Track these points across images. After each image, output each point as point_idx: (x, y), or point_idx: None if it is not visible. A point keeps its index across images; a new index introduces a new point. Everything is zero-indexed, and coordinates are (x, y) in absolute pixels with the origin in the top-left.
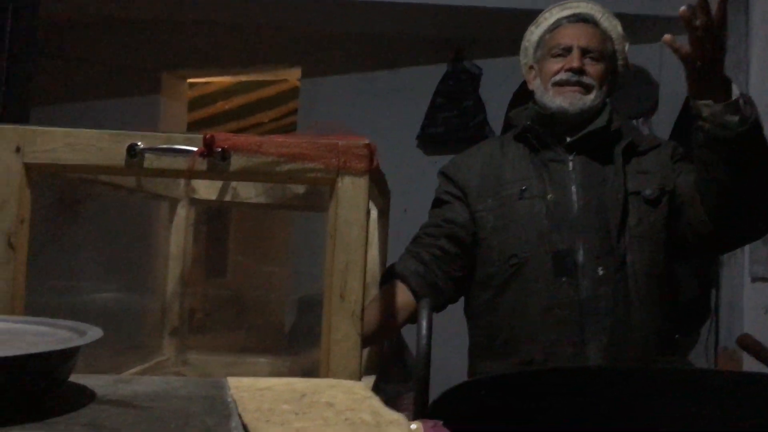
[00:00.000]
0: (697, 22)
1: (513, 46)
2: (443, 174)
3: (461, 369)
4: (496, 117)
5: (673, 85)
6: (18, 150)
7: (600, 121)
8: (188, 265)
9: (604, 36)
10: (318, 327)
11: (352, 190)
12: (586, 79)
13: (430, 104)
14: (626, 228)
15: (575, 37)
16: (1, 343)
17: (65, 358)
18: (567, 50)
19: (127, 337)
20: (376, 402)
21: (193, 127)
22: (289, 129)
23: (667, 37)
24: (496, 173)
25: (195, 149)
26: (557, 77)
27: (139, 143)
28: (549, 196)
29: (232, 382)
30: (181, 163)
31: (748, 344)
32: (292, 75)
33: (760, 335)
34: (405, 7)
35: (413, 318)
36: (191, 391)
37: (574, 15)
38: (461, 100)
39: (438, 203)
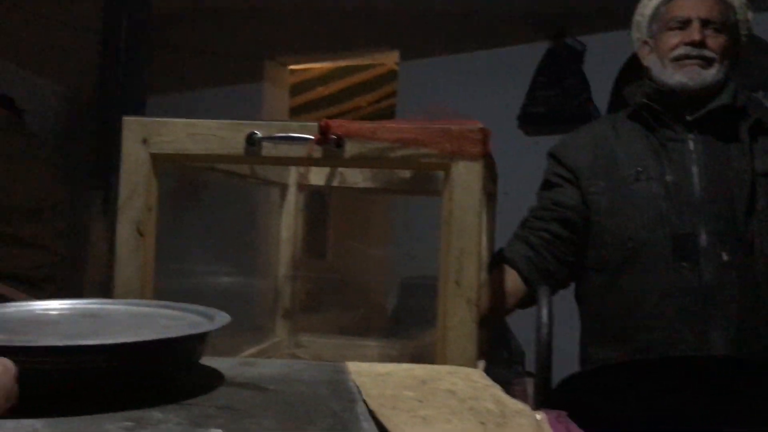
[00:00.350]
0: None
1: (618, 21)
2: (553, 155)
3: (571, 354)
4: (600, 95)
5: None
6: (144, 141)
7: (724, 98)
8: (298, 249)
9: (726, 5)
10: (423, 310)
11: (466, 175)
12: (707, 53)
13: (531, 83)
14: (754, 211)
15: (694, 8)
16: (136, 327)
17: (198, 342)
18: (685, 23)
19: (243, 319)
20: (498, 390)
21: (294, 112)
22: (387, 113)
23: None
24: (608, 154)
25: (311, 137)
26: (676, 52)
27: (257, 132)
28: (668, 177)
29: (352, 366)
30: (297, 151)
31: None
32: (390, 58)
33: None
34: None
35: (522, 303)
36: (314, 375)
37: None
38: (564, 78)
39: (547, 185)
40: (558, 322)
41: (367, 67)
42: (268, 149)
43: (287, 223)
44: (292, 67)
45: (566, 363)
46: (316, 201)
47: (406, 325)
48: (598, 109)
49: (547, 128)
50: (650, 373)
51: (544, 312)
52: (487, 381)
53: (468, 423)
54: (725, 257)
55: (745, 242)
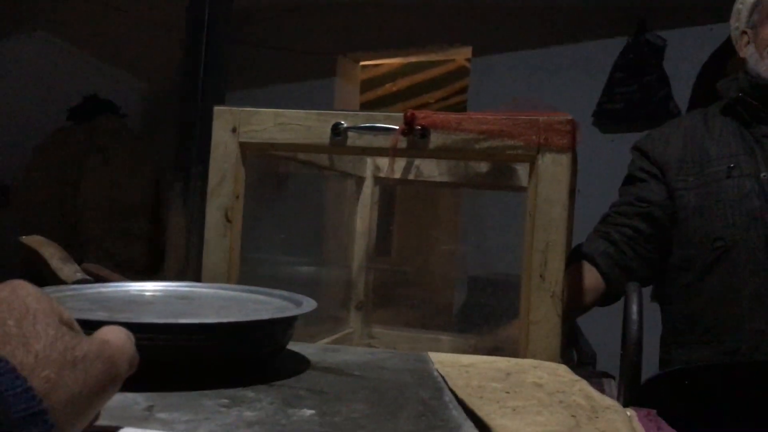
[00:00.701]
0: None
1: (701, 15)
2: (638, 149)
3: (651, 355)
4: (681, 92)
5: None
6: (234, 130)
7: None
8: (373, 241)
9: None
10: (492, 306)
11: (553, 167)
12: None
13: (608, 79)
14: None
15: None
16: (226, 309)
17: (287, 325)
18: None
19: (319, 308)
20: (586, 385)
21: (363, 108)
22: (457, 108)
23: None
24: (699, 149)
25: (396, 127)
26: None
27: (342, 122)
28: (762, 174)
29: (435, 357)
30: (381, 141)
31: None
32: (460, 54)
33: None
34: None
35: (601, 301)
36: (397, 363)
37: None
38: (642, 75)
39: (631, 180)
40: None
41: (435, 64)
42: (353, 139)
43: (363, 216)
44: (363, 62)
45: (647, 365)
46: (394, 195)
47: (475, 321)
48: (678, 107)
49: (624, 125)
50: (737, 376)
51: (634, 308)
52: (574, 376)
53: (559, 416)
54: None
55: None
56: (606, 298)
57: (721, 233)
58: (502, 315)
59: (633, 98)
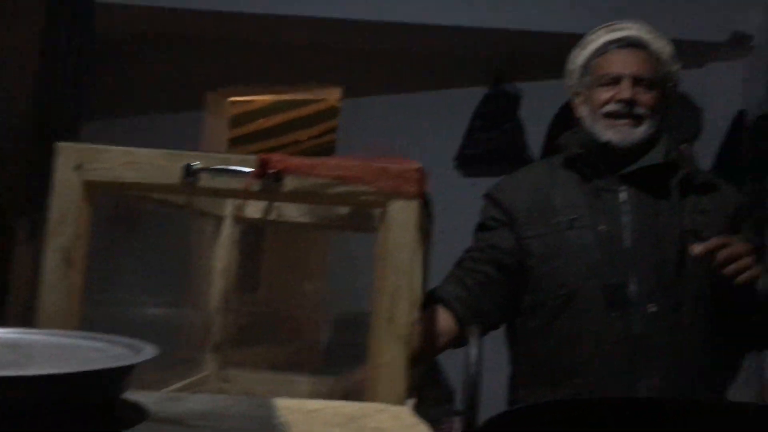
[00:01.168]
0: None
1: (554, 69)
2: (489, 197)
3: (499, 396)
4: (536, 140)
5: (716, 110)
6: (78, 167)
7: (655, 156)
8: (232, 281)
9: (656, 60)
10: (356, 346)
11: (402, 213)
12: (637, 110)
13: (469, 126)
14: (682, 266)
15: (625, 64)
16: (57, 358)
17: (121, 375)
18: (616, 79)
19: (172, 351)
20: (424, 429)
21: (233, 143)
22: (326, 148)
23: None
24: (545, 200)
25: (250, 170)
26: (607, 108)
27: (195, 163)
28: (600, 227)
29: (281, 403)
30: (234, 183)
31: None
32: (332, 94)
33: None
34: (446, 28)
35: (454, 343)
36: (241, 410)
37: (622, 39)
38: (501, 123)
39: (483, 227)
40: (489, 364)
41: (308, 102)
42: (205, 181)
43: (221, 255)
44: (233, 98)
45: (496, 404)
46: (252, 234)
47: (338, 361)
48: (532, 155)
49: (484, 170)
50: (576, 413)
51: (474, 351)
52: (414, 420)
53: None
54: (653, 308)
55: (672, 295)
56: (459, 341)
57: (564, 281)
58: (364, 356)
59: (492, 145)
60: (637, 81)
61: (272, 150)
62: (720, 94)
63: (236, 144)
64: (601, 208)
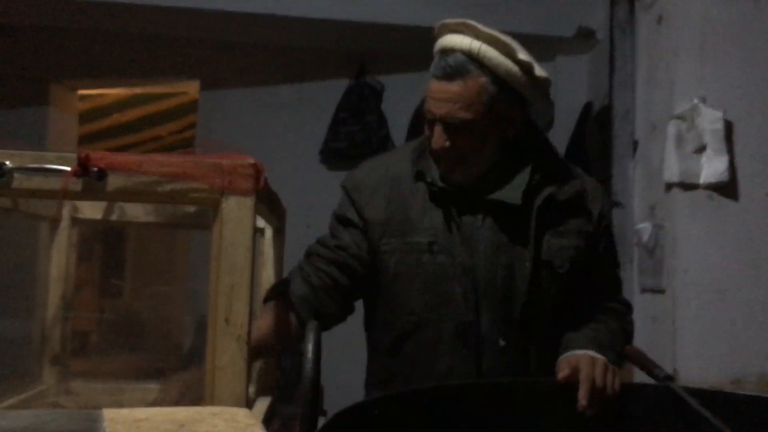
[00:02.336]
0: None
1: (415, 62)
2: (346, 191)
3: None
4: (398, 132)
5: (567, 102)
6: None
7: (513, 195)
8: (71, 288)
9: (476, 88)
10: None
11: (237, 210)
12: (455, 153)
13: (332, 119)
14: (532, 299)
15: (436, 105)
16: None
17: None
18: (432, 121)
19: (2, 366)
20: (259, 429)
21: (86, 140)
22: (191, 143)
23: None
24: (403, 212)
25: (68, 168)
26: (431, 147)
27: (7, 162)
28: (458, 259)
29: (108, 414)
30: (54, 183)
31: (632, 355)
32: (191, 87)
33: (648, 346)
34: (308, 21)
35: (297, 341)
36: (62, 425)
37: (442, 69)
38: (364, 115)
39: (338, 219)
40: (348, 361)
41: (168, 96)
42: (20, 181)
43: (58, 261)
44: (82, 91)
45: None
46: (106, 237)
47: (193, 364)
48: (395, 145)
49: (349, 163)
50: (418, 402)
51: (309, 347)
52: (251, 420)
53: None
54: (502, 342)
55: (522, 329)
56: (301, 339)
57: (415, 308)
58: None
59: (356, 137)
60: (448, 125)
61: (131, 147)
62: (568, 87)
63: (90, 141)
64: (460, 234)
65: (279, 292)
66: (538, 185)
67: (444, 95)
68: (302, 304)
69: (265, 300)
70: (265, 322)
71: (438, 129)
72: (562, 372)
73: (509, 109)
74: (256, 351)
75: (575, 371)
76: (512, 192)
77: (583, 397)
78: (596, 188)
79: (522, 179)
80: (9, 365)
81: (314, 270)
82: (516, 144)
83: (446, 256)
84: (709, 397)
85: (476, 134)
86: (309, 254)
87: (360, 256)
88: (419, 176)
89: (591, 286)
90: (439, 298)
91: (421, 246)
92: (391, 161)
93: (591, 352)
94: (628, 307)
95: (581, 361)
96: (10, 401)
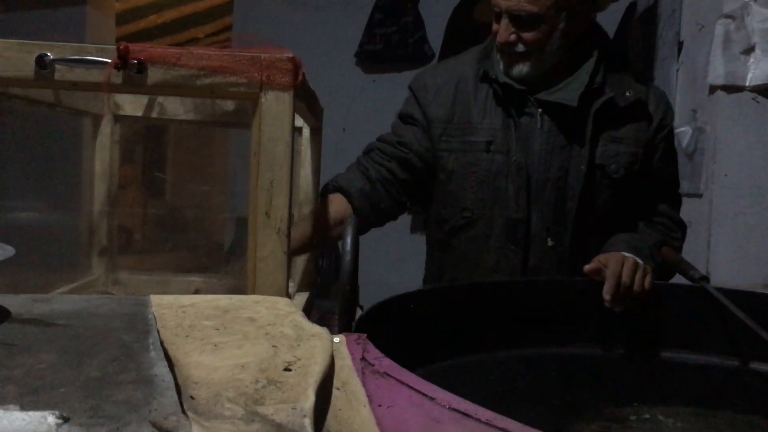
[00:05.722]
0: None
1: None
2: (412, 92)
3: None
4: (435, 34)
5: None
6: None
7: (569, 96)
8: (115, 183)
9: None
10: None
11: (276, 105)
12: (518, 48)
13: (368, 20)
14: (584, 202)
15: None
16: None
17: None
18: (499, 15)
19: (53, 256)
20: (299, 317)
21: (124, 42)
22: (227, 45)
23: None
24: (465, 113)
25: (109, 60)
26: (496, 41)
27: (48, 54)
28: (513, 158)
29: (155, 299)
30: (95, 76)
31: (668, 257)
32: None
33: (684, 250)
34: None
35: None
36: (112, 308)
37: None
38: (400, 16)
39: (402, 119)
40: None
41: None
42: (62, 73)
43: (101, 157)
44: None
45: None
46: (149, 134)
47: (235, 260)
48: (432, 48)
49: (385, 66)
50: (454, 298)
51: (348, 241)
52: (291, 309)
53: (259, 347)
54: (550, 242)
55: (570, 231)
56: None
57: (468, 204)
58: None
59: (392, 39)
60: (516, 18)
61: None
62: None
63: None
64: (517, 134)
65: (336, 186)
66: (599, 89)
67: None
68: (359, 196)
69: (323, 193)
70: (320, 212)
71: (504, 22)
72: (588, 266)
73: (576, 7)
74: (308, 243)
75: (602, 267)
76: (569, 93)
77: (606, 292)
78: (660, 97)
79: (580, 81)
80: (60, 256)
81: (373, 164)
82: (582, 45)
83: (502, 155)
84: (743, 298)
85: (542, 29)
86: (369, 150)
87: (420, 152)
88: (483, 76)
89: (645, 196)
90: (492, 194)
91: (479, 145)
92: (458, 63)
93: (625, 253)
94: (679, 226)
95: (611, 258)
96: (64, 288)
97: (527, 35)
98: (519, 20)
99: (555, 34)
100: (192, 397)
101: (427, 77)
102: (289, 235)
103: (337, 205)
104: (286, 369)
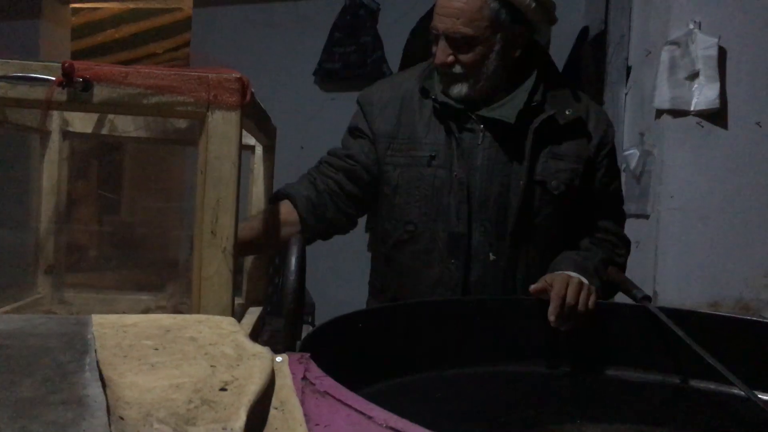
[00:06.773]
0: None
1: None
2: (360, 106)
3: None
4: (393, 54)
5: (564, 26)
6: None
7: (508, 113)
8: (63, 200)
9: (485, 3)
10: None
11: (223, 125)
12: (457, 69)
13: (327, 39)
14: (524, 217)
15: (442, 20)
16: None
17: None
18: (437, 37)
19: None
20: (241, 336)
21: (79, 57)
22: (186, 60)
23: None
24: (409, 127)
25: (53, 78)
26: (434, 62)
27: None
28: (455, 173)
29: (97, 319)
30: (39, 93)
31: (613, 276)
32: (186, 3)
33: (630, 270)
34: None
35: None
36: (51, 328)
37: None
38: (359, 36)
39: (350, 132)
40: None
41: (162, 11)
42: (4, 90)
43: (49, 173)
44: (74, 5)
45: None
46: (103, 151)
47: (188, 278)
48: (390, 68)
49: (343, 84)
50: (402, 315)
51: (293, 260)
52: (234, 328)
53: (197, 367)
54: (492, 257)
55: (511, 245)
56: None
57: (412, 218)
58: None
59: (350, 58)
60: (451, 40)
61: (125, 63)
62: (566, 11)
63: (83, 57)
64: (459, 149)
65: (285, 193)
66: (540, 106)
67: (447, 10)
68: (304, 204)
69: (270, 201)
70: (266, 216)
71: (442, 44)
72: (534, 286)
73: (512, 28)
74: (248, 247)
75: (548, 287)
76: (508, 111)
77: (551, 312)
78: (600, 115)
79: (519, 99)
80: (3, 275)
81: (321, 176)
82: (522, 64)
83: (444, 170)
84: (684, 317)
85: (478, 51)
86: (319, 162)
87: (367, 165)
88: (423, 92)
89: (589, 212)
90: (435, 209)
91: (422, 160)
92: (404, 79)
93: (570, 273)
94: (624, 242)
95: (556, 279)
96: (6, 308)
97: (464, 57)
98: (455, 42)
99: (491, 56)
100: (121, 418)
101: (374, 92)
102: (235, 255)
103: (284, 211)
104: (222, 389)
